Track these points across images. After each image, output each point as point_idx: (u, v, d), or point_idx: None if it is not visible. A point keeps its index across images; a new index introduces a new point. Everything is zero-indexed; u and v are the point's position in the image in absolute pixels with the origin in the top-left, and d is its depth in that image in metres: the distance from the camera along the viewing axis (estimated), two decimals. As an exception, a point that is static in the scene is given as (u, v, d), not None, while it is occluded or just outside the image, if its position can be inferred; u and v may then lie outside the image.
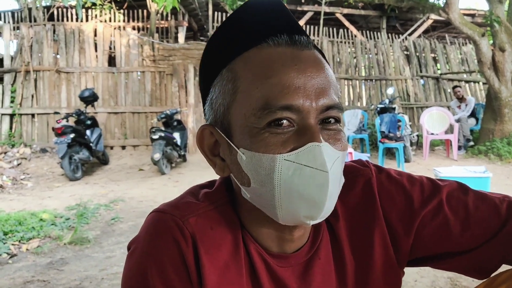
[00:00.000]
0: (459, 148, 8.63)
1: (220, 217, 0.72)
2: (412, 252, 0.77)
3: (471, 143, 8.98)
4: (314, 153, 0.61)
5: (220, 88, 0.68)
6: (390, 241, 0.76)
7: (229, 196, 0.75)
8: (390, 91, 9.52)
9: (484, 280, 0.75)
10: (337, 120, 0.67)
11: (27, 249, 3.86)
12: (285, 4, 0.71)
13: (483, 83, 11.37)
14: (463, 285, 2.89)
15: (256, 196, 0.66)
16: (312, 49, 0.67)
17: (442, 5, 8.59)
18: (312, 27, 11.66)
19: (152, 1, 8.16)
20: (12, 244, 3.92)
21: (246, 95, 0.64)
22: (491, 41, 8.87)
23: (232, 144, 0.67)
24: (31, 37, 9.78)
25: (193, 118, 9.62)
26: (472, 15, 13.33)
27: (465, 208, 0.75)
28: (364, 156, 5.78)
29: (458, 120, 8.76)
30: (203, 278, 0.67)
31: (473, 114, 9.59)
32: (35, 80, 9.62)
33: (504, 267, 0.75)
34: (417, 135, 9.43)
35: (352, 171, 0.80)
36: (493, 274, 0.75)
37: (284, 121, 0.62)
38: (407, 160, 7.85)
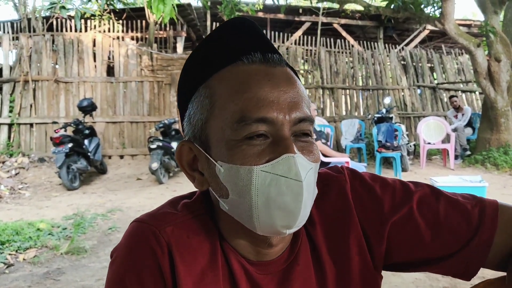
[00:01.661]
0: (456, 157, 8.67)
1: (197, 226, 0.74)
2: (387, 258, 0.79)
3: (468, 152, 9.02)
4: (289, 163, 0.64)
5: (197, 104, 0.71)
6: (366, 246, 0.78)
7: (207, 207, 0.77)
8: (387, 100, 9.58)
9: None
10: (309, 133, 0.70)
11: (24, 259, 3.86)
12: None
13: (479, 93, 11.44)
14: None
15: (234, 208, 0.68)
16: (284, 66, 0.71)
17: (438, 16, 8.67)
18: (309, 37, 11.73)
19: (151, 12, 8.22)
20: (9, 254, 3.92)
21: (223, 109, 0.67)
22: (487, 51, 8.95)
23: (210, 158, 0.69)
24: (30, 47, 9.83)
25: (191, 127, 9.63)
26: (468, 26, 13.44)
27: (435, 215, 0.76)
28: (361, 166, 5.80)
29: (454, 130, 8.81)
30: (178, 285, 0.70)
31: (469, 124, 9.64)
32: (34, 90, 9.66)
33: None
34: (414, 145, 9.46)
35: (326, 178, 0.82)
36: (472, 283, 0.77)
37: (260, 133, 0.65)
38: (404, 170, 7.88)
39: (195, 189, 0.79)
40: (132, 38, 10.37)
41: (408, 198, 0.78)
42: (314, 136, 0.74)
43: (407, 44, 13.06)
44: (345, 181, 0.81)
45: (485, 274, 0.74)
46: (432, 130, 8.65)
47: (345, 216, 0.78)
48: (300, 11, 12.53)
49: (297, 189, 0.64)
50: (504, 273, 0.75)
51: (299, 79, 0.72)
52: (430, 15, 9.01)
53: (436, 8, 9.02)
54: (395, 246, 0.77)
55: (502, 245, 0.73)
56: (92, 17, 9.94)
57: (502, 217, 0.74)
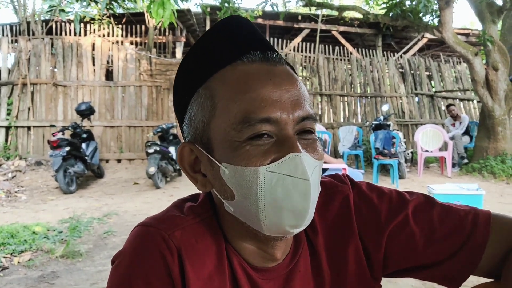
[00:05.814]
0: (453, 165, 8.69)
1: (205, 230, 0.73)
2: (385, 266, 0.79)
3: (465, 160, 9.04)
4: (295, 162, 0.63)
5: (198, 106, 0.69)
6: (364, 255, 0.78)
7: (213, 209, 0.76)
8: (385, 108, 9.60)
9: None
10: (312, 131, 0.69)
11: (18, 262, 3.84)
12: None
13: (477, 102, 11.49)
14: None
15: (240, 209, 0.67)
16: (284, 65, 0.70)
17: (436, 25, 8.72)
18: (308, 44, 11.77)
19: (150, 17, 8.24)
20: (4, 257, 3.89)
21: (225, 110, 0.66)
22: (485, 60, 9.00)
23: (213, 159, 0.68)
24: (29, 50, 9.83)
25: (189, 132, 9.63)
26: (467, 35, 13.52)
27: (430, 222, 0.77)
28: (359, 173, 5.80)
29: (452, 138, 8.83)
30: None
31: (467, 132, 9.67)
32: (32, 93, 9.66)
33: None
34: (412, 152, 9.47)
35: (330, 187, 0.82)
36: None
37: (264, 133, 0.64)
38: (401, 177, 7.88)
39: (194, 191, 0.78)
40: (131, 43, 10.39)
41: (403, 206, 0.79)
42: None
43: (405, 52, 13.11)
44: (349, 191, 0.81)
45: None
46: (429, 138, 8.67)
47: (346, 226, 0.79)
48: (299, 18, 12.57)
49: (305, 188, 0.63)
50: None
51: (298, 77, 0.72)
52: (429, 23, 9.05)
53: (434, 16, 9.07)
54: (392, 254, 0.78)
55: (494, 252, 0.74)
56: (92, 21, 9.95)
57: (495, 224, 0.75)
